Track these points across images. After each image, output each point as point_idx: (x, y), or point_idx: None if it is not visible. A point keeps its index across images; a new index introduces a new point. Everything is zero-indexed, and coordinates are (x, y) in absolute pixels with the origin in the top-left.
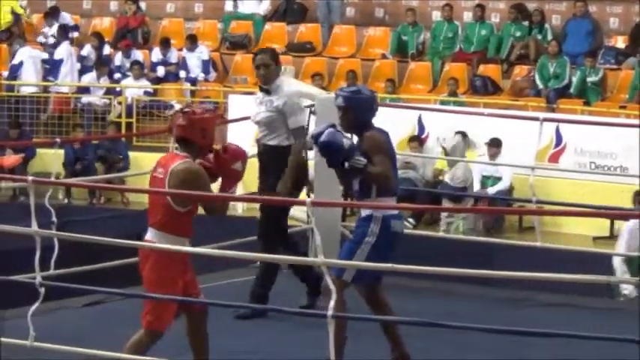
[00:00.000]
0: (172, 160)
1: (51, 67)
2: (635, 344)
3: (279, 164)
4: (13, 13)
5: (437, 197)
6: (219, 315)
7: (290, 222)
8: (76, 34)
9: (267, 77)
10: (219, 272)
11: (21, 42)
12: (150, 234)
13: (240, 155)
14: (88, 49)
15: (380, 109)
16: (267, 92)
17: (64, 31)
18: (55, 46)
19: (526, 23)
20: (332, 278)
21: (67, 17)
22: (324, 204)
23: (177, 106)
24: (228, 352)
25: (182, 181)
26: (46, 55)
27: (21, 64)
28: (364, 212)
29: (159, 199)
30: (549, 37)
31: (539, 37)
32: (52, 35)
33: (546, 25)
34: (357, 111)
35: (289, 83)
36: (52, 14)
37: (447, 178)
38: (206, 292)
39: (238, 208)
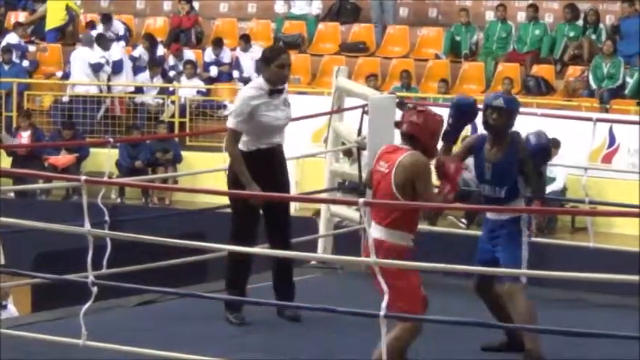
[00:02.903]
0: (398, 153)
1: (112, 68)
2: None
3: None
4: (69, 11)
5: None
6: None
7: (345, 222)
8: (122, 43)
9: (287, 77)
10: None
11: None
12: (376, 231)
13: (460, 170)
14: (140, 50)
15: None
16: (280, 92)
17: (103, 40)
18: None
19: (580, 23)
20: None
21: (117, 24)
22: (376, 204)
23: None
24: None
25: (415, 174)
26: (94, 59)
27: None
28: (506, 215)
29: (386, 194)
30: (603, 37)
31: (594, 37)
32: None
33: (601, 25)
34: (512, 115)
35: None
36: (104, 21)
37: None
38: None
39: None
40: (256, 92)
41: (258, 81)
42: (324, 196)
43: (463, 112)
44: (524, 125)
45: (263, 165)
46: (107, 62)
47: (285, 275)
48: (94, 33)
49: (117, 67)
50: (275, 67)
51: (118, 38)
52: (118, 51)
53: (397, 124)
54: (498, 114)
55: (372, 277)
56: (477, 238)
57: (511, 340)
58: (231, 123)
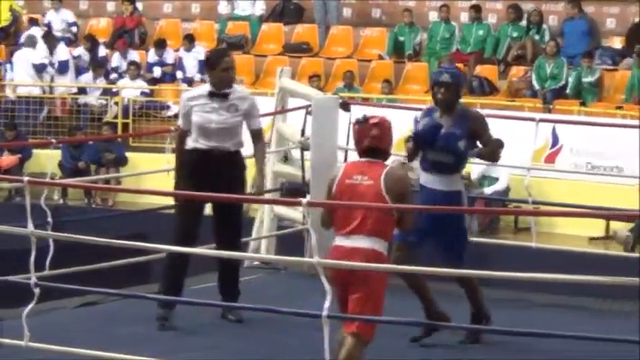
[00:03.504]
0: (376, 166)
1: (59, 68)
2: (636, 345)
3: (239, 169)
4: (12, 12)
5: None
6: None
7: (287, 222)
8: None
9: (233, 80)
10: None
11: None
12: (354, 241)
13: None
14: (80, 51)
15: (377, 110)
16: (225, 97)
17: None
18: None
19: (523, 24)
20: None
21: (68, 14)
22: (320, 204)
23: (175, 108)
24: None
25: (404, 187)
26: (37, 60)
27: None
28: (453, 187)
29: (373, 202)
30: (547, 37)
31: (537, 37)
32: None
33: (544, 26)
34: (459, 88)
35: (241, 87)
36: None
37: None
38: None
39: None
40: (195, 93)
41: (206, 84)
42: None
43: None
44: None
45: (202, 165)
46: (51, 63)
47: (230, 277)
48: (35, 33)
49: (63, 67)
50: (220, 70)
51: (70, 25)
52: (64, 51)
53: (359, 143)
54: (446, 89)
55: (316, 278)
56: None
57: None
58: (179, 120)
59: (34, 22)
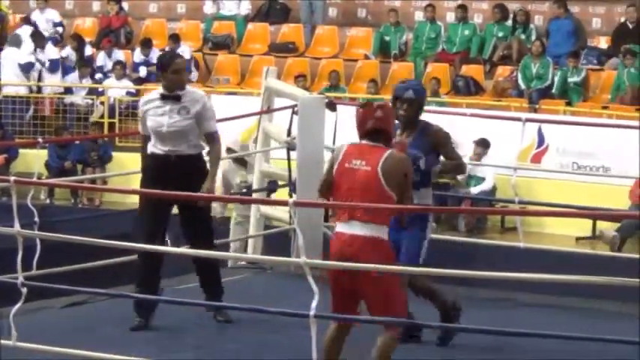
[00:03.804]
0: (376, 151)
1: (49, 67)
2: (623, 344)
3: (199, 173)
4: None
5: None
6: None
7: (274, 222)
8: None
9: (184, 82)
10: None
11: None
12: (353, 228)
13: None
14: (67, 50)
15: None
16: (177, 99)
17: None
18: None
19: (509, 23)
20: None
21: (54, 14)
22: (306, 204)
23: None
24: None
25: (405, 169)
26: (24, 59)
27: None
28: (422, 201)
29: (369, 189)
30: (533, 37)
31: (523, 37)
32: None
33: (531, 26)
34: (422, 104)
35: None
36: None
37: None
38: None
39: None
40: (150, 96)
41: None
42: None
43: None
44: (454, 125)
45: (160, 170)
46: (39, 61)
47: (210, 277)
48: (22, 32)
49: (54, 66)
50: (170, 72)
51: (55, 25)
52: (53, 50)
53: (361, 126)
54: (409, 105)
55: (303, 278)
56: None
57: None
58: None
59: (27, 20)
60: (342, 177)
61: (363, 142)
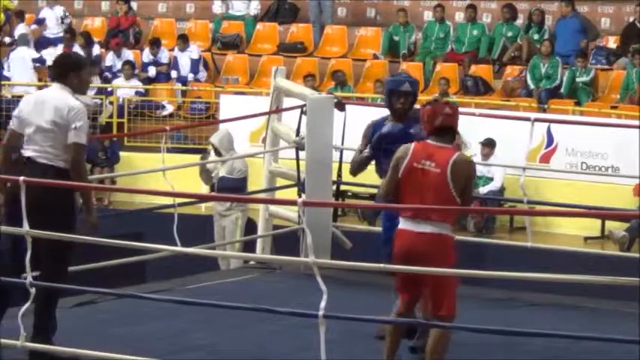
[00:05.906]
0: (444, 152)
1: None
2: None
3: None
4: (5, 11)
5: None
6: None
7: (281, 222)
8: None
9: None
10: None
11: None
12: (419, 226)
13: None
14: (76, 49)
15: (372, 109)
16: None
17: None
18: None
19: (518, 23)
20: None
21: (60, 10)
22: (315, 204)
23: (170, 107)
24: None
25: (470, 173)
26: (35, 54)
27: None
28: None
29: (440, 192)
30: (544, 37)
31: (537, 37)
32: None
33: (545, 26)
34: (417, 95)
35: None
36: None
37: None
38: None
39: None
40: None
41: None
42: (262, 196)
43: None
44: (463, 125)
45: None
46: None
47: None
48: (26, 30)
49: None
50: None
51: (63, 18)
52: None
53: (428, 123)
54: (405, 98)
55: (312, 277)
56: None
57: None
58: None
59: (20, 17)
60: (411, 175)
61: (430, 141)
